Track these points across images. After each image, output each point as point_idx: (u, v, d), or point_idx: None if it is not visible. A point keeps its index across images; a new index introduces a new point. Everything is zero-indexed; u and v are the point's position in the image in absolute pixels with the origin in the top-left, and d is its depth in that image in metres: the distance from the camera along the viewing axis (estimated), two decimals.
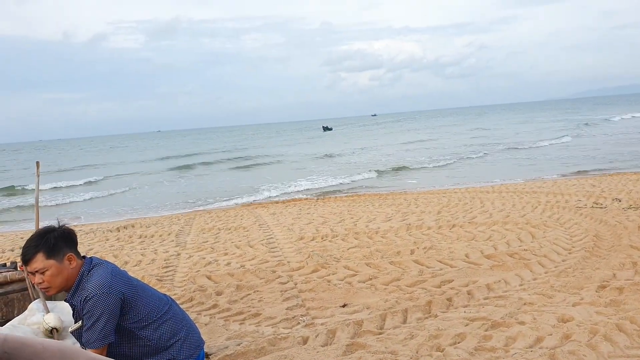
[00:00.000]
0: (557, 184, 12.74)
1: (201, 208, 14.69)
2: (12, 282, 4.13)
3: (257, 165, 29.82)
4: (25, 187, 24.07)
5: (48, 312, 3.41)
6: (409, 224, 8.54)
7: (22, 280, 4.13)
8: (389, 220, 9.16)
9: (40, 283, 2.13)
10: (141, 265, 7.25)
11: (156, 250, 8.24)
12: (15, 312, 3.97)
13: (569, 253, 6.23)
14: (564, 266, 5.68)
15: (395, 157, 28.49)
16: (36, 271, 2.12)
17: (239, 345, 4.14)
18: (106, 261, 2.25)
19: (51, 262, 2.10)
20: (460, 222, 8.49)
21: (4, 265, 4.35)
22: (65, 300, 2.44)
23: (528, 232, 7.43)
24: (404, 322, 4.53)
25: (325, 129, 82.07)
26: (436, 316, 4.52)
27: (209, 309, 5.20)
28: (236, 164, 30.94)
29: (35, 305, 3.51)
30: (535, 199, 10.41)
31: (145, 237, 9.54)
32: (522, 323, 4.12)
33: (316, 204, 12.46)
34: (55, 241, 2.12)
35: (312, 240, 8.00)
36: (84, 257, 2.24)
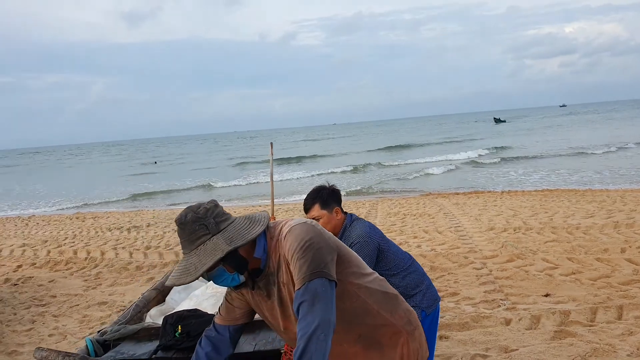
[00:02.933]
0: None
1: None
2: None
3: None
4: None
5: None
6: (617, 222, 7.73)
7: None
8: (591, 216, 8.40)
9: None
10: None
11: None
12: None
13: None
14: None
15: None
16: (313, 218, 2.66)
17: (442, 317, 4.40)
18: (363, 218, 2.72)
19: (324, 212, 2.62)
20: None
21: None
22: None
23: None
24: (619, 318, 4.26)
25: (497, 121, 75.88)
26: None
27: None
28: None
29: None
30: None
31: None
32: None
33: (502, 197, 11.98)
34: (327, 196, 2.64)
35: (504, 231, 7.82)
36: (345, 212, 2.74)
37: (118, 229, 10.66)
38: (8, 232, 11.51)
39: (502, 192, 13.34)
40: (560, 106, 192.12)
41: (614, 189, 12.51)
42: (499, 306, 4.72)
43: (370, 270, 1.72)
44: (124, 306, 5.61)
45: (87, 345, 2.78)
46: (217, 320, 1.81)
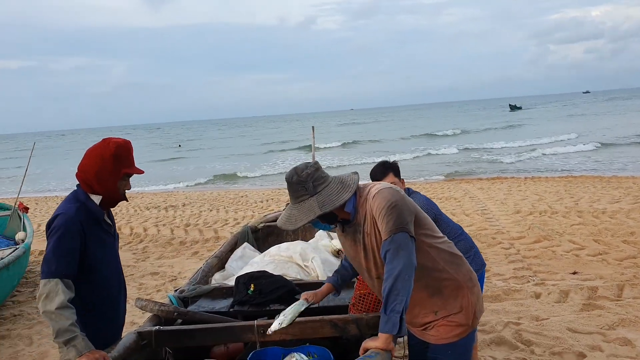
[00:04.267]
0: None
1: None
2: None
3: None
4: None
5: (332, 239, 4.49)
6: None
7: None
8: (617, 202, 8.57)
9: None
10: None
11: None
12: (300, 237, 5.20)
13: None
14: None
15: None
16: None
17: None
18: (419, 192, 3.05)
19: (397, 180, 2.95)
20: None
21: None
22: None
23: None
24: None
25: (513, 107, 73.49)
26: None
27: None
28: None
29: (322, 232, 4.65)
30: None
31: None
32: None
33: (525, 183, 12.14)
34: (397, 167, 2.97)
35: (530, 214, 8.05)
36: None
37: (155, 207, 11.18)
38: (53, 209, 12.14)
39: (526, 177, 13.49)
40: (584, 92, 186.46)
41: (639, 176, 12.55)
42: (528, 282, 5.02)
43: (441, 234, 2.06)
44: (175, 276, 6.06)
45: (170, 300, 3.19)
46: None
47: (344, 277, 2.39)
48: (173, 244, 7.66)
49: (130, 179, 2.22)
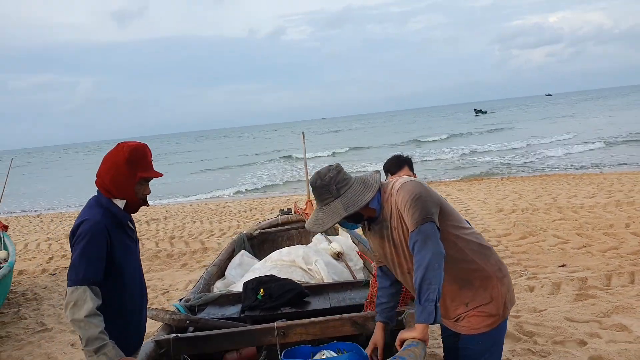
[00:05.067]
0: None
1: None
2: (292, 222, 5.43)
3: None
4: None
5: (330, 242, 4.51)
6: (618, 201, 8.21)
7: (299, 221, 5.39)
8: (593, 197, 8.88)
9: None
10: None
11: None
12: (295, 242, 5.21)
13: None
14: None
15: None
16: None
17: None
18: None
19: (411, 173, 3.00)
20: None
21: (289, 209, 5.71)
22: None
23: None
24: (632, 282, 4.70)
25: (478, 112, 75.05)
26: None
27: None
28: None
29: (319, 236, 4.67)
30: None
31: None
32: None
33: (503, 183, 12.45)
34: (411, 161, 3.03)
35: (512, 212, 8.26)
36: None
37: (136, 222, 10.95)
38: (27, 228, 11.76)
39: (502, 178, 13.83)
40: (546, 95, 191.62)
41: (609, 172, 13.03)
42: (521, 276, 5.14)
43: (468, 225, 2.09)
44: (166, 289, 5.96)
45: (177, 309, 3.14)
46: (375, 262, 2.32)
47: (385, 309, 2.24)
48: (160, 257, 7.53)
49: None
